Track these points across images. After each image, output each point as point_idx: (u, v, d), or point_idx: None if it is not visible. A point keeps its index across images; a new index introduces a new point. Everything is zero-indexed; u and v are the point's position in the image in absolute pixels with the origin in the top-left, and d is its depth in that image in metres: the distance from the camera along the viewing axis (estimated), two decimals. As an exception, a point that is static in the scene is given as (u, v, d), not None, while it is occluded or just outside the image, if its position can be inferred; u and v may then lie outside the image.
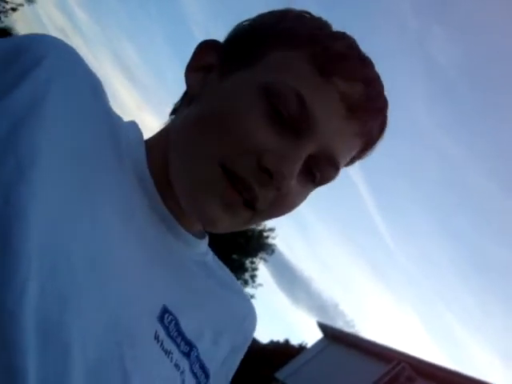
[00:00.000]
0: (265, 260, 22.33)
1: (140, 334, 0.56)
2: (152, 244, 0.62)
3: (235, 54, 0.65)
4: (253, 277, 21.44)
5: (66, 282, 0.48)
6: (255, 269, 21.69)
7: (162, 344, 0.59)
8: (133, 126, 0.68)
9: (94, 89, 0.59)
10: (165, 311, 0.61)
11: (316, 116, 0.59)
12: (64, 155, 0.52)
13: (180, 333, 0.63)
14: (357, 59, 0.63)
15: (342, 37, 0.65)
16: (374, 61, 0.66)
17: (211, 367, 0.69)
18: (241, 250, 19.98)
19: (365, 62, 0.64)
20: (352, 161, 0.69)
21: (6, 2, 17.80)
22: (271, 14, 0.67)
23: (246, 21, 0.68)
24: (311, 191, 0.67)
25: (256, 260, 21.51)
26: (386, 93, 0.66)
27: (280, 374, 14.45)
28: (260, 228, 21.32)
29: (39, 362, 0.45)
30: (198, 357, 0.66)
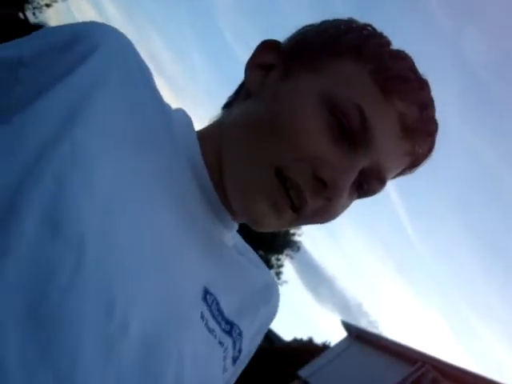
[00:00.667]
0: (290, 257, 22.31)
1: (189, 314, 0.60)
2: (200, 229, 0.65)
3: (299, 58, 0.66)
4: (278, 274, 21.43)
5: (122, 263, 0.51)
6: (281, 266, 21.68)
7: (206, 323, 0.62)
8: (182, 113, 0.70)
9: (145, 76, 0.62)
10: (206, 292, 0.63)
11: (375, 132, 0.61)
12: (119, 140, 0.55)
13: (220, 312, 0.66)
14: (416, 82, 0.65)
15: (403, 57, 0.66)
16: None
17: (245, 343, 0.73)
18: (267, 246, 19.97)
19: (423, 86, 0.66)
20: (398, 175, 0.71)
21: (42, -1, 18.06)
22: (336, 22, 0.69)
23: (310, 26, 0.70)
24: (352, 202, 0.68)
25: (282, 257, 21.50)
26: (436, 116, 0.67)
27: (303, 372, 14.41)
28: (286, 225, 21.14)
29: (100, 335, 0.47)
30: (240, 334, 0.70)
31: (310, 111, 0.61)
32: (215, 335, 0.64)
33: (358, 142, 0.61)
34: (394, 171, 0.67)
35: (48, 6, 18.31)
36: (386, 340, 14.00)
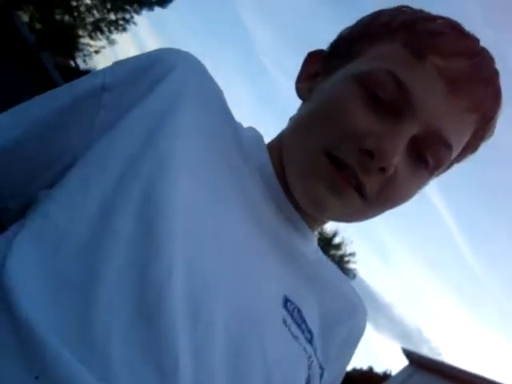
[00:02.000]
0: (345, 285, 21.91)
1: (270, 318, 0.61)
2: (275, 238, 0.66)
3: (337, 54, 0.69)
4: (334, 303, 21.05)
5: (208, 265, 0.54)
6: (336, 294, 21.30)
7: (289, 329, 0.62)
8: (253, 129, 0.73)
9: (217, 94, 0.67)
10: (287, 299, 0.64)
11: (414, 94, 0.59)
12: (196, 151, 0.59)
13: (303, 320, 0.66)
14: (453, 35, 0.61)
15: (439, 18, 0.64)
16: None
17: (323, 358, 0.70)
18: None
19: (464, 36, 0.62)
20: (474, 143, 0.66)
21: (91, 46, 18.90)
22: (368, 14, 0.69)
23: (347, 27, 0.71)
24: (428, 179, 0.65)
25: (336, 285, 21.14)
26: (496, 65, 0.64)
27: (365, 403, 14.02)
28: (341, 253, 21.12)
29: (187, 334, 0.49)
30: (316, 346, 0.68)
31: (346, 93, 0.61)
32: (300, 342, 0.64)
33: (401, 108, 0.59)
34: (458, 132, 0.62)
35: (97, 52, 19.11)
36: (450, 367, 13.49)
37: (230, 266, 0.57)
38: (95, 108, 0.59)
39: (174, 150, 0.56)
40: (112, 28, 19.16)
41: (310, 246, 0.72)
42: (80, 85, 0.61)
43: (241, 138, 0.67)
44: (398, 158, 0.58)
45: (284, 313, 0.63)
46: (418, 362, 14.39)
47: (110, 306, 0.47)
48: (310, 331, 0.67)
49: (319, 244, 0.77)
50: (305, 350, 0.64)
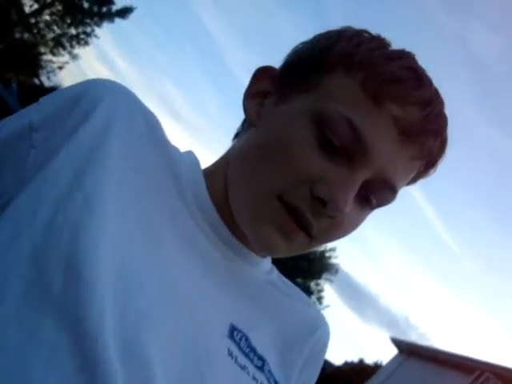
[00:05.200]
0: (330, 281, 22.21)
1: (214, 352, 0.59)
2: (216, 266, 0.65)
3: (290, 80, 0.66)
4: (319, 298, 21.30)
5: (142, 304, 0.52)
6: (321, 290, 21.57)
7: (236, 360, 0.61)
8: (190, 155, 0.71)
9: (150, 125, 0.63)
10: (233, 329, 0.63)
11: (369, 143, 0.59)
12: (126, 189, 0.56)
13: (252, 348, 0.65)
14: (411, 81, 0.61)
15: (398, 57, 0.63)
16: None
17: (286, 380, 0.70)
18: (304, 272, 19.91)
19: (421, 83, 0.62)
20: (413, 180, 0.68)
21: (54, 62, 18.72)
22: (326, 35, 0.67)
23: (303, 43, 0.68)
24: (368, 214, 0.66)
25: (321, 281, 21.41)
26: (445, 111, 0.65)
27: (359, 395, 14.11)
28: (321, 249, 21.23)
29: (125, 379, 0.48)
30: (270, 371, 0.67)
31: (300, 133, 0.60)
32: (248, 372, 0.63)
33: (355, 154, 0.59)
34: (403, 177, 0.64)
35: (60, 68, 18.96)
36: (440, 352, 13.64)
37: (167, 303, 0.55)
38: (26, 149, 0.56)
39: (101, 190, 0.53)
40: (74, 42, 19.04)
41: (259, 267, 0.71)
42: (8, 125, 0.59)
43: (176, 165, 0.65)
44: (348, 208, 0.59)
45: (230, 343, 0.62)
46: (408, 350, 14.52)
47: (48, 365, 0.46)
48: (260, 358, 0.66)
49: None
50: (254, 379, 0.64)
